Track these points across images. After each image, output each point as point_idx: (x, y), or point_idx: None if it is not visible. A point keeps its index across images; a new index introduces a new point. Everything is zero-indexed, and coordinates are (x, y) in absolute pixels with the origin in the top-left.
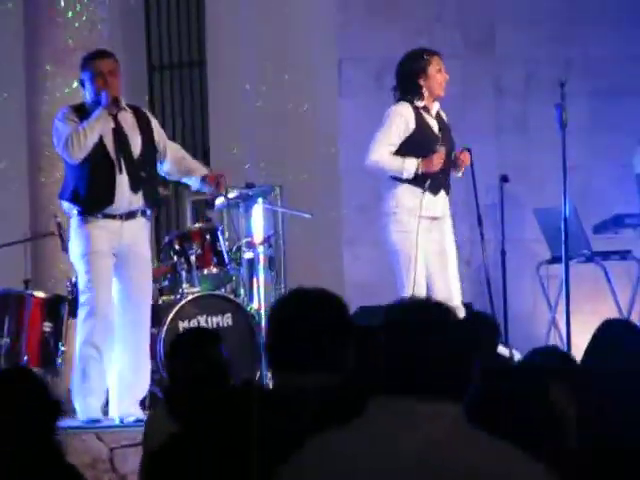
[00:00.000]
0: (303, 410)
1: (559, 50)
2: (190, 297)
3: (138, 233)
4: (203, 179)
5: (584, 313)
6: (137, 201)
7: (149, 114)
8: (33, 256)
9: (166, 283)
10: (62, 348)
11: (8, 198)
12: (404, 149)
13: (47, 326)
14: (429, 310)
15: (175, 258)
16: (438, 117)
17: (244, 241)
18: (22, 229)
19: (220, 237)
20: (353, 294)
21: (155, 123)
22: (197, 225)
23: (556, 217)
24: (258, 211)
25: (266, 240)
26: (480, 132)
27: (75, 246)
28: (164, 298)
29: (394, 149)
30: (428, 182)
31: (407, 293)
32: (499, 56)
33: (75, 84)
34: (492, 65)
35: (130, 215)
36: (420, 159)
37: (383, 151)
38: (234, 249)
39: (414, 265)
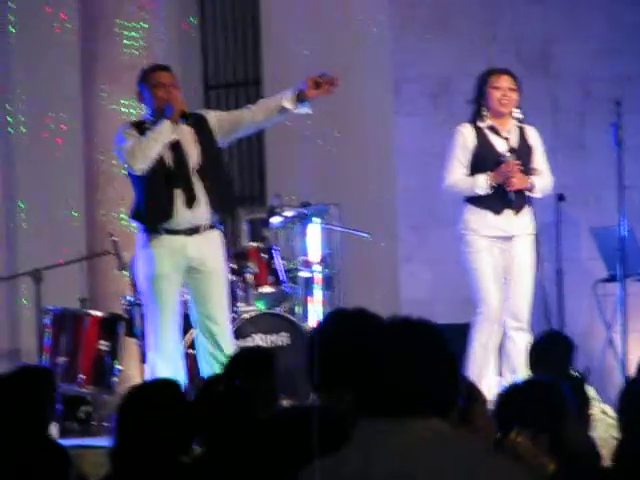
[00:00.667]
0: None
1: (615, 67)
2: (246, 315)
3: (205, 247)
4: (300, 99)
5: None
6: (200, 215)
7: (205, 113)
8: (89, 275)
9: None
10: (118, 367)
11: (65, 217)
12: (471, 169)
13: (103, 345)
14: (407, 332)
15: (231, 277)
16: (522, 137)
17: (300, 260)
18: (78, 248)
19: (276, 255)
20: (408, 311)
21: (212, 118)
22: (253, 243)
23: (613, 236)
24: (314, 230)
25: (322, 259)
26: None
27: (140, 267)
28: None
29: (465, 170)
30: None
31: (477, 307)
32: (555, 74)
33: (130, 102)
34: (548, 83)
35: (194, 230)
36: (487, 179)
37: (455, 174)
38: (291, 268)
39: (480, 279)
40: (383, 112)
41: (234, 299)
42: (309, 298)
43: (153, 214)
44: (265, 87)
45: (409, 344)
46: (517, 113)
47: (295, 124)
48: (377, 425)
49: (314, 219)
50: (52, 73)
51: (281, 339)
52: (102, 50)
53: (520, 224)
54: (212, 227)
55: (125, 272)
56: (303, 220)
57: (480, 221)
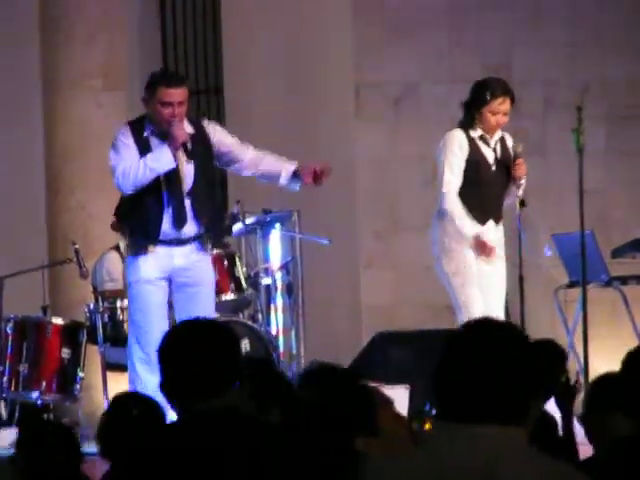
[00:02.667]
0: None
1: (576, 73)
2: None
3: (192, 259)
4: (295, 175)
5: (602, 337)
6: (188, 231)
7: (207, 125)
8: (51, 283)
9: None
10: (80, 375)
11: (26, 225)
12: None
13: (65, 352)
14: (494, 331)
15: None
16: (503, 146)
17: (262, 267)
18: (40, 256)
19: (238, 263)
20: (371, 318)
21: (218, 134)
22: (215, 251)
23: (574, 242)
24: (275, 237)
25: (283, 266)
26: None
27: (126, 272)
28: None
29: (460, 185)
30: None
31: (460, 318)
32: (517, 80)
33: (92, 108)
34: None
35: (181, 242)
36: (476, 236)
37: (453, 198)
38: (252, 275)
39: (466, 289)
40: (344, 117)
41: None
42: (271, 305)
43: (140, 231)
44: (227, 95)
45: (490, 348)
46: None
47: (255, 131)
48: (454, 429)
49: (275, 226)
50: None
51: (243, 346)
52: (63, 57)
53: (498, 236)
54: (198, 239)
55: (87, 279)
56: (264, 227)
57: (458, 231)
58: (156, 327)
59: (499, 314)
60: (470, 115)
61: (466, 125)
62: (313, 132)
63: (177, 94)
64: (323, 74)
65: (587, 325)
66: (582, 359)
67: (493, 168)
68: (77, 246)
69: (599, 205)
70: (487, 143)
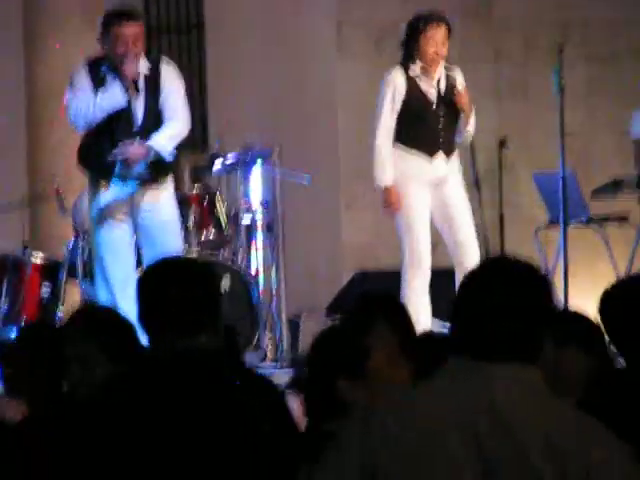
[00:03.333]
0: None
1: (558, 13)
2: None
3: (152, 198)
4: None
5: (581, 277)
6: (139, 166)
7: (169, 73)
8: (31, 219)
9: None
10: (60, 312)
11: (6, 162)
12: (399, 117)
13: (45, 289)
14: (510, 268)
15: None
16: (450, 81)
17: (242, 205)
18: (20, 193)
19: (218, 201)
20: (350, 257)
21: (167, 87)
22: (195, 190)
23: (555, 182)
24: (256, 175)
25: (264, 204)
26: (479, 97)
27: (88, 207)
28: None
29: (392, 130)
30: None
31: (406, 257)
32: (497, 20)
33: (73, 48)
34: (490, 29)
35: (134, 179)
36: (390, 186)
37: (383, 141)
38: (232, 213)
39: (413, 229)
40: (326, 56)
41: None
42: (251, 244)
43: (96, 169)
44: (208, 32)
45: (506, 282)
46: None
47: (236, 68)
48: (464, 367)
49: (256, 164)
50: None
51: (222, 284)
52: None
53: (450, 166)
54: (152, 179)
55: (67, 216)
56: (245, 165)
57: (411, 165)
58: (121, 264)
59: (472, 238)
60: (408, 52)
61: (405, 63)
62: (294, 70)
63: (130, 31)
64: (305, 11)
65: (567, 264)
66: (562, 298)
67: (435, 104)
68: (57, 183)
69: (580, 146)
70: (429, 80)
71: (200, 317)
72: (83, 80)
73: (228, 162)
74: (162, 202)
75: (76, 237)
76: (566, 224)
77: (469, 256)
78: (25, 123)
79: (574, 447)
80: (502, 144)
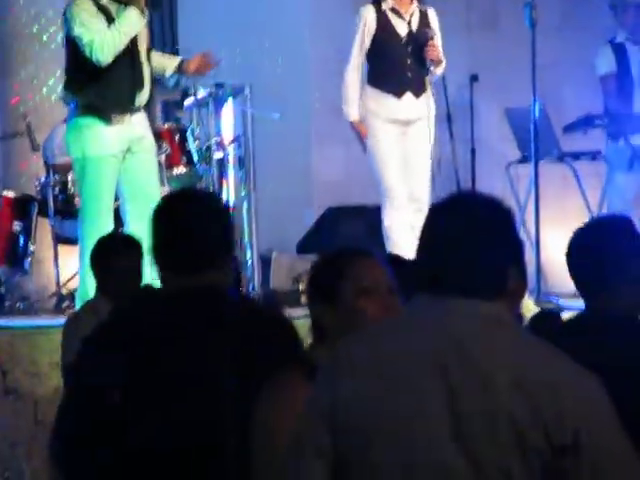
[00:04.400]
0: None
1: None
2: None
3: (144, 126)
4: (180, 66)
5: (553, 213)
6: (143, 97)
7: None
8: (3, 156)
9: None
10: (31, 248)
11: None
12: (369, 53)
13: (17, 225)
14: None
15: None
16: (423, 21)
17: (213, 141)
18: None
19: (189, 137)
20: (322, 193)
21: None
22: (166, 125)
23: (526, 117)
24: (228, 111)
25: (235, 139)
26: (450, 31)
27: (81, 146)
28: None
29: (361, 66)
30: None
31: (382, 194)
32: None
33: None
34: None
35: (136, 110)
36: (357, 121)
37: (351, 76)
38: (204, 149)
39: (383, 166)
40: None
41: None
42: (223, 179)
43: (102, 99)
44: None
45: (469, 216)
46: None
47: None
48: (428, 302)
49: (227, 100)
50: None
51: None
52: None
53: (420, 108)
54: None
55: (38, 153)
56: (217, 101)
57: (380, 104)
58: (109, 201)
59: (425, 194)
60: None
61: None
62: (265, 3)
63: None
64: None
65: (538, 200)
66: (533, 235)
67: (405, 41)
68: (29, 119)
69: (552, 81)
70: (400, 16)
71: (214, 252)
72: (91, 8)
73: (199, 97)
74: (147, 128)
75: (47, 174)
76: (537, 160)
77: (412, 196)
78: None
79: (544, 380)
80: (474, 78)
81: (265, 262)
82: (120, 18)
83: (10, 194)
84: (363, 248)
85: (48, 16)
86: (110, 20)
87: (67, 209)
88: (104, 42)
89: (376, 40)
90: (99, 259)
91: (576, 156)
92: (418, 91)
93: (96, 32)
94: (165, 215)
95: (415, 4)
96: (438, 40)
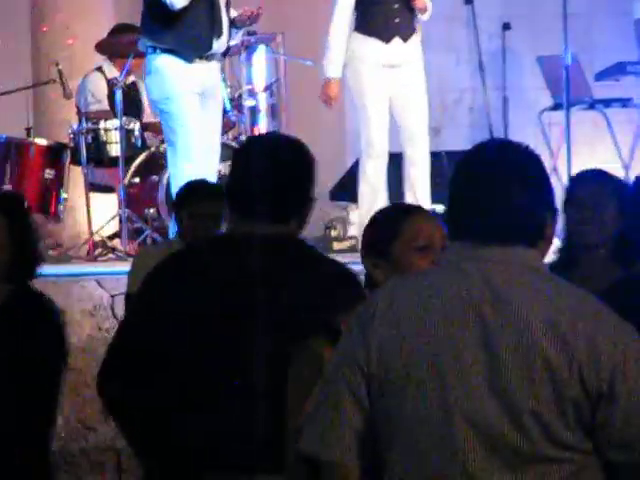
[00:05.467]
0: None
1: None
2: None
3: (217, 74)
4: (234, 19)
5: (585, 160)
6: (222, 44)
7: None
8: (35, 104)
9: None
10: (64, 195)
11: (9, 46)
12: (357, 2)
13: (49, 173)
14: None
15: None
16: None
17: (245, 89)
18: (24, 76)
19: (222, 84)
20: (354, 142)
21: None
22: None
23: (558, 64)
24: (260, 58)
25: (268, 87)
26: None
27: (161, 88)
28: (165, 146)
29: (347, 18)
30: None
31: (361, 143)
32: None
33: None
34: None
35: (211, 57)
36: (333, 78)
37: (335, 31)
38: (236, 96)
39: (367, 114)
40: None
41: None
42: (254, 127)
43: (192, 45)
44: None
45: (504, 164)
46: None
47: None
48: (466, 250)
49: (259, 47)
50: None
51: (227, 168)
52: None
53: (408, 51)
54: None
55: (70, 101)
56: (248, 48)
57: (367, 49)
58: (201, 135)
59: (422, 131)
60: None
61: None
62: None
63: None
64: None
65: (570, 148)
66: (565, 180)
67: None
68: (60, 67)
69: (584, 28)
70: None
71: (299, 203)
72: None
73: (231, 44)
74: (219, 78)
75: (79, 121)
76: (569, 107)
77: (416, 148)
78: (29, 5)
79: (580, 327)
80: (506, 27)
81: None
82: None
83: (42, 142)
84: (417, 205)
85: None
86: None
87: (99, 157)
88: None
89: None
90: (182, 204)
91: (608, 103)
92: (406, 35)
93: None
94: (253, 160)
95: None
96: None
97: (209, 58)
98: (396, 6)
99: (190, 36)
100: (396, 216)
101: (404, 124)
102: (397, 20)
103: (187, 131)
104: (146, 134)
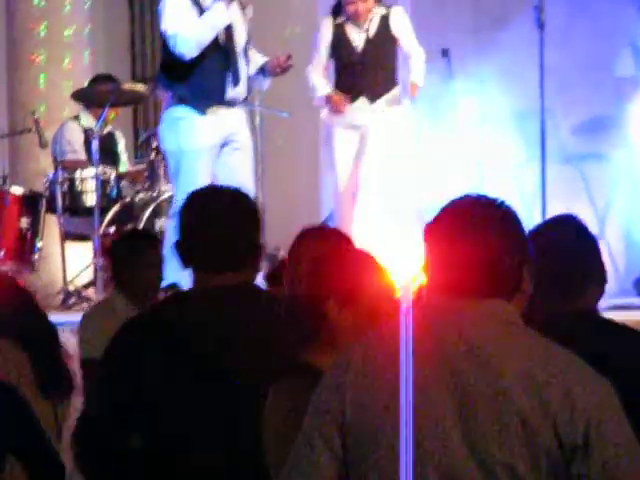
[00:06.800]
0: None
1: None
2: (167, 195)
3: (240, 121)
4: (264, 67)
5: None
6: (240, 91)
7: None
8: (11, 153)
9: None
10: (38, 244)
11: None
12: (335, 64)
13: (24, 222)
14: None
15: (152, 156)
16: (384, 24)
17: None
18: (0, 126)
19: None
20: (329, 194)
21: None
22: None
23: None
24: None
25: None
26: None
27: (176, 139)
28: (141, 196)
29: (324, 63)
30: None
31: (335, 196)
32: None
33: None
34: None
35: (231, 104)
36: (329, 93)
37: (315, 68)
38: None
39: (336, 172)
40: None
41: (155, 179)
42: None
43: (205, 95)
44: None
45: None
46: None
47: None
48: (441, 304)
49: None
50: None
51: None
52: None
53: (376, 112)
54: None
55: (46, 150)
56: None
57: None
58: None
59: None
60: (338, 1)
61: (335, 11)
62: None
63: None
64: None
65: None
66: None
67: (360, 49)
68: (37, 116)
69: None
70: (357, 25)
71: (244, 252)
72: (184, 4)
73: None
74: (243, 125)
75: (55, 170)
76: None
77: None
78: (5, 56)
79: (556, 382)
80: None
81: (272, 259)
82: (208, 11)
83: (18, 191)
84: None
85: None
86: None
87: (75, 206)
88: (188, 35)
89: (333, 50)
90: (119, 256)
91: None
92: (373, 96)
93: (181, 25)
94: (205, 213)
95: (375, 10)
96: (406, 38)
97: (228, 106)
98: (364, 70)
99: (204, 86)
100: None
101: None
102: (363, 82)
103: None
104: (122, 183)
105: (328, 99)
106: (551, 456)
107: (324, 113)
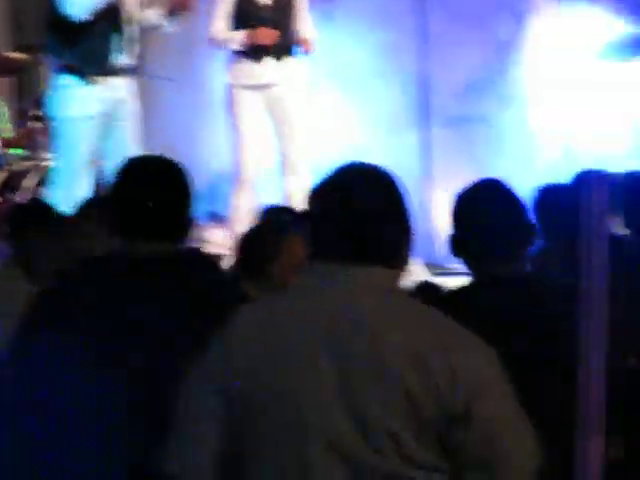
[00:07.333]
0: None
1: None
2: (47, 163)
3: (127, 89)
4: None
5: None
6: (128, 60)
7: None
8: None
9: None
10: None
11: None
12: (232, 22)
13: None
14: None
15: (32, 124)
16: None
17: None
18: None
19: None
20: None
21: None
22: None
23: None
24: None
25: None
26: None
27: (57, 107)
28: (22, 164)
29: (225, 23)
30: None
31: (235, 159)
32: None
33: None
34: None
35: (119, 71)
36: (246, 32)
37: (217, 26)
38: None
39: (243, 146)
40: None
41: (35, 147)
42: None
43: (91, 63)
44: None
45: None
46: None
47: None
48: (323, 270)
49: None
50: None
51: None
52: None
53: (283, 72)
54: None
55: None
56: None
57: (239, 71)
58: (82, 163)
59: (298, 146)
60: None
61: None
62: None
63: None
64: None
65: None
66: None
67: (270, 7)
68: None
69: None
70: None
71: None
72: None
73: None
74: (131, 94)
75: None
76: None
77: (292, 175)
78: None
79: (437, 351)
80: None
81: None
82: None
83: None
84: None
85: None
86: None
87: None
88: None
89: (236, 9)
90: (17, 228)
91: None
92: (280, 56)
93: None
94: (140, 181)
95: None
96: (302, 15)
97: (113, 74)
98: (269, 27)
99: (89, 54)
100: (275, 236)
101: (281, 153)
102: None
103: (69, 156)
104: (4, 151)
105: (251, 36)
106: (434, 425)
107: (230, 75)
